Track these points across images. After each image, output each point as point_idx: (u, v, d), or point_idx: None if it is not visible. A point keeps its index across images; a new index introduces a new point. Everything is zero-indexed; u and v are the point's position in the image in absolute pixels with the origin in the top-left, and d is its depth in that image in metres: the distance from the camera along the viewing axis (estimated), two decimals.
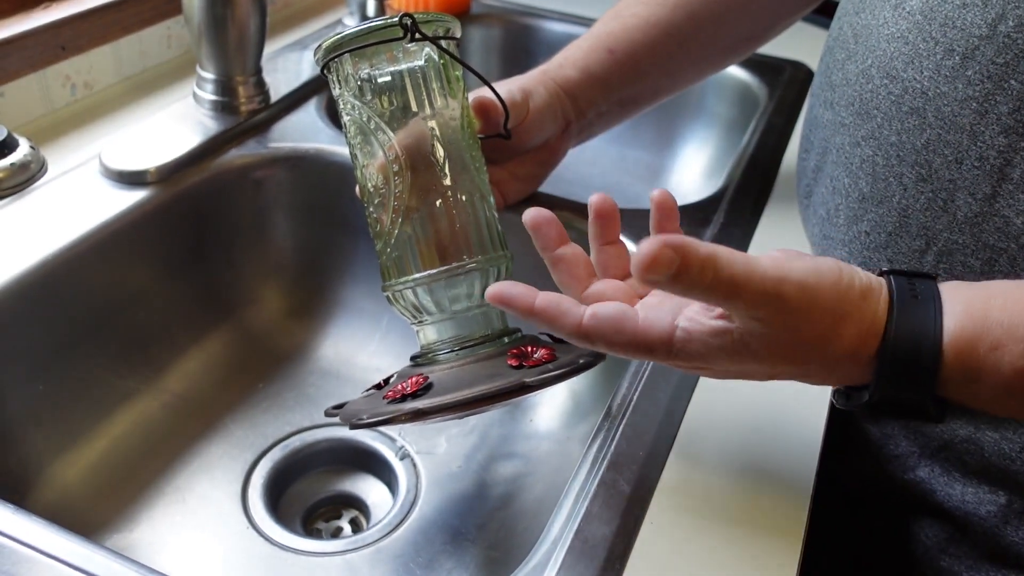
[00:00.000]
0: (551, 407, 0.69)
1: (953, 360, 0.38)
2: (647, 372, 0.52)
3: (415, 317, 0.49)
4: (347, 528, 0.63)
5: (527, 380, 0.42)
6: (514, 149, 0.60)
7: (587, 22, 0.98)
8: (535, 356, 0.45)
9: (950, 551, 0.56)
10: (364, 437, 0.67)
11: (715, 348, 0.38)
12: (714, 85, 0.95)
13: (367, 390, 0.49)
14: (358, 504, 0.64)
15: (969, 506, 0.53)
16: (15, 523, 0.40)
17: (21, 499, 0.56)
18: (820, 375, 0.40)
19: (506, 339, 0.48)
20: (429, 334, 0.49)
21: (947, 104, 0.46)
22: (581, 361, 0.44)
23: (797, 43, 0.80)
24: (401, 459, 0.66)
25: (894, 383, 0.38)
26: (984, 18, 0.44)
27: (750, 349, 0.38)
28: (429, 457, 0.66)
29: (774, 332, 0.37)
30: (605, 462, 0.46)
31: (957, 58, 0.46)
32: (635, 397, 0.51)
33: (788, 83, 0.90)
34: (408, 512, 0.62)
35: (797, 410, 0.52)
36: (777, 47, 0.73)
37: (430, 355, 0.48)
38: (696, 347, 0.38)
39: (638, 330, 0.38)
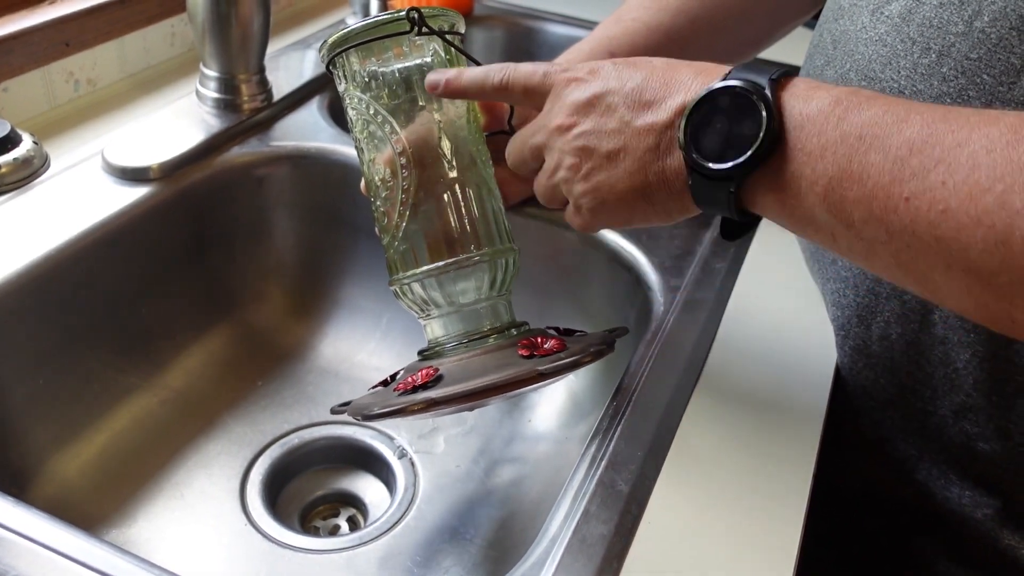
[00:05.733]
0: (549, 407, 0.69)
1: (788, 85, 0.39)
2: (646, 372, 0.53)
3: (422, 311, 0.49)
4: (345, 526, 0.63)
5: (540, 368, 0.42)
6: None
7: (588, 24, 0.98)
8: (545, 347, 0.45)
9: (947, 554, 0.56)
10: (363, 436, 0.67)
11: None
12: None
13: (372, 387, 0.49)
14: (356, 502, 0.65)
15: (966, 510, 0.54)
16: (16, 516, 0.41)
17: (20, 492, 0.56)
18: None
19: (514, 331, 0.48)
20: (436, 328, 0.49)
21: (922, 102, 0.47)
22: (592, 350, 0.44)
23: (796, 47, 0.81)
24: (399, 458, 0.66)
25: (743, 71, 0.40)
26: (961, 15, 0.45)
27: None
28: (427, 456, 0.66)
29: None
30: (603, 462, 0.46)
31: (933, 56, 0.46)
32: (634, 397, 0.51)
33: None
34: (406, 511, 0.62)
35: (795, 412, 0.52)
36: (776, 51, 0.73)
37: (438, 349, 0.48)
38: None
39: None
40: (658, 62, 0.44)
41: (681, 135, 0.40)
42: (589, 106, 0.44)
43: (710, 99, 0.40)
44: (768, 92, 0.38)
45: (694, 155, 0.40)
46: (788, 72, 0.40)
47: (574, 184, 0.46)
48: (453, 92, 0.48)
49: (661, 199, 0.43)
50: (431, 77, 0.49)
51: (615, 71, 0.44)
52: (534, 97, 0.48)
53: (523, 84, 0.48)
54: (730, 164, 0.39)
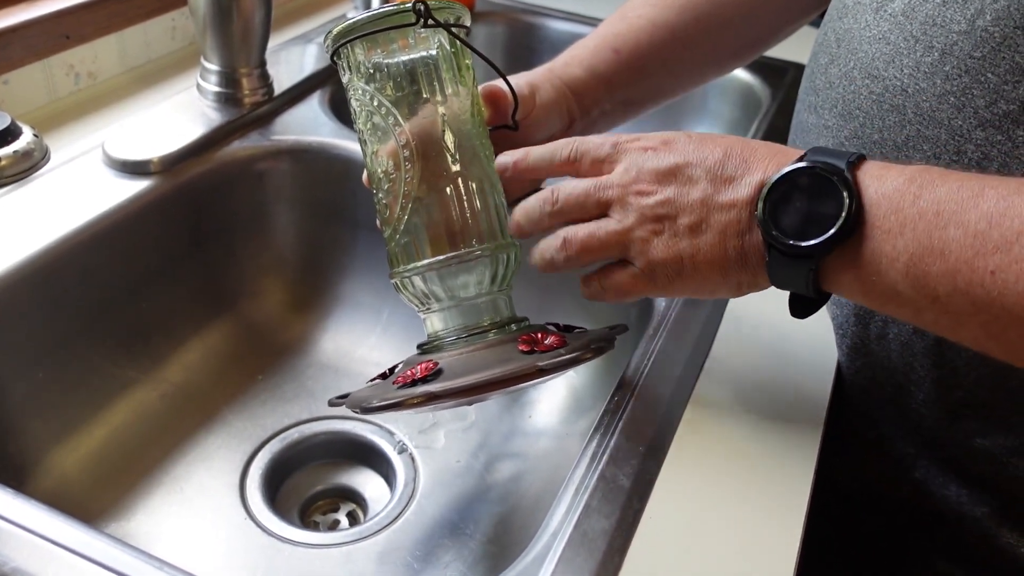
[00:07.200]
0: (550, 403, 0.69)
1: (868, 168, 0.40)
2: (647, 368, 0.53)
3: (423, 304, 0.49)
4: (344, 521, 0.63)
5: (540, 364, 0.42)
6: (518, 145, 0.60)
7: (590, 21, 0.98)
8: (546, 342, 0.45)
9: (946, 553, 0.56)
10: (363, 431, 0.67)
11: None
12: (717, 86, 0.95)
13: (371, 380, 0.49)
14: (356, 497, 0.65)
15: (964, 508, 0.54)
16: (15, 507, 0.41)
17: (19, 486, 0.56)
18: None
19: (514, 327, 0.48)
20: (436, 322, 0.49)
21: (926, 100, 0.47)
22: (593, 346, 0.44)
23: (800, 45, 0.81)
24: (399, 453, 0.66)
25: (818, 155, 0.41)
26: (964, 14, 0.45)
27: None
28: (427, 452, 0.66)
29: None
30: (605, 456, 0.46)
31: (936, 54, 0.46)
32: (635, 393, 0.51)
33: (791, 85, 0.90)
34: (406, 506, 0.62)
35: (797, 409, 0.52)
36: (780, 49, 0.73)
37: (437, 343, 0.48)
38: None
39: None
40: (733, 139, 0.45)
41: (760, 212, 0.41)
42: (671, 175, 0.44)
43: (790, 179, 0.41)
44: (847, 174, 0.39)
45: (774, 232, 0.41)
46: (862, 155, 0.41)
47: (651, 248, 0.45)
48: (523, 172, 0.49)
49: (735, 273, 0.44)
50: (501, 160, 0.49)
51: (692, 145, 0.45)
52: (604, 167, 0.47)
53: (592, 157, 0.47)
54: (812, 242, 0.40)
